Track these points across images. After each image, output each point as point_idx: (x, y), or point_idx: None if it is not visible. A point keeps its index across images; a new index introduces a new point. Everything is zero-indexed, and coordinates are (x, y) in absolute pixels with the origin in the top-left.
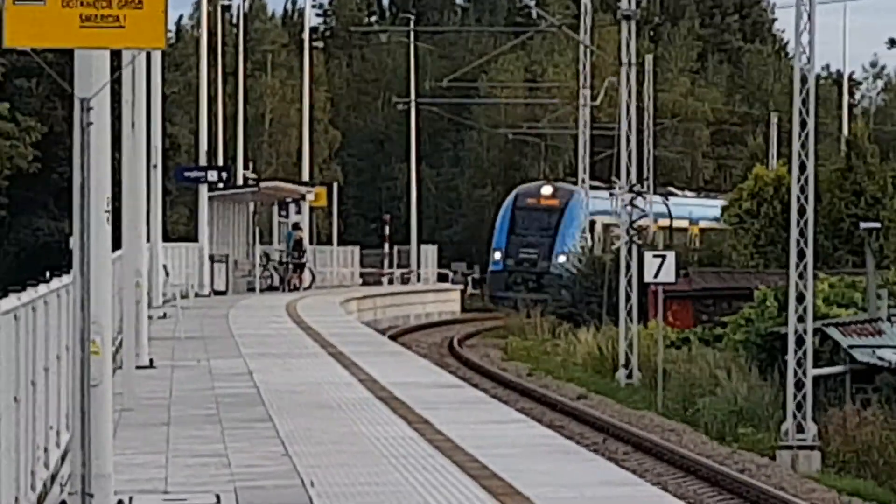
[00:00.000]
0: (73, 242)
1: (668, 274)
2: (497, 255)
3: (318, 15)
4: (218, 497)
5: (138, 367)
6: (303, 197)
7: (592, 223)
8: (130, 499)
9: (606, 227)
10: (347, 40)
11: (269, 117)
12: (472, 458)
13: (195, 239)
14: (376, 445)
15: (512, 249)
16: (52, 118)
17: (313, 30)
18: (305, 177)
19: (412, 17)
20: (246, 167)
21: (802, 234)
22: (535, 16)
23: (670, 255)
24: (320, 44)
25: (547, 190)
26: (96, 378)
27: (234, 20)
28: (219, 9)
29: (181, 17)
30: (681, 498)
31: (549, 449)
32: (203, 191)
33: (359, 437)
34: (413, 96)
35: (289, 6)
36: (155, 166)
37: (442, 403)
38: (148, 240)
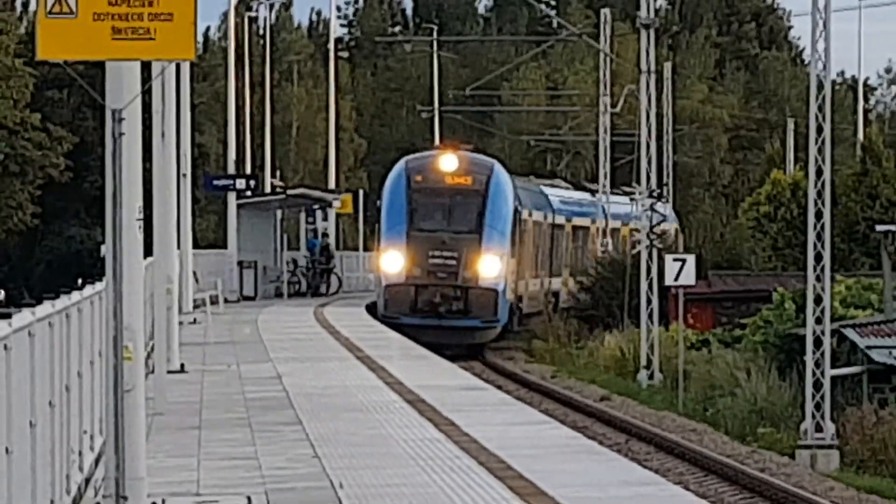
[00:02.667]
0: (106, 250)
1: (689, 277)
2: (396, 261)
3: (342, 25)
4: (249, 499)
5: (170, 372)
6: (329, 204)
7: (516, 212)
8: (164, 501)
9: (537, 223)
10: (372, 50)
11: (295, 126)
12: (497, 459)
13: (224, 246)
14: (404, 447)
15: (416, 252)
16: (84, 128)
17: (338, 40)
18: (332, 184)
19: (435, 27)
20: (273, 175)
21: (819, 237)
22: (555, 25)
23: (690, 259)
24: (345, 54)
25: (451, 163)
26: (129, 383)
27: (261, 31)
28: (246, 20)
29: (209, 28)
30: (702, 497)
31: (573, 450)
32: (232, 199)
33: (386, 440)
34: (436, 104)
35: (314, 17)
36: (184, 175)
37: (467, 406)
38: (178, 247)
